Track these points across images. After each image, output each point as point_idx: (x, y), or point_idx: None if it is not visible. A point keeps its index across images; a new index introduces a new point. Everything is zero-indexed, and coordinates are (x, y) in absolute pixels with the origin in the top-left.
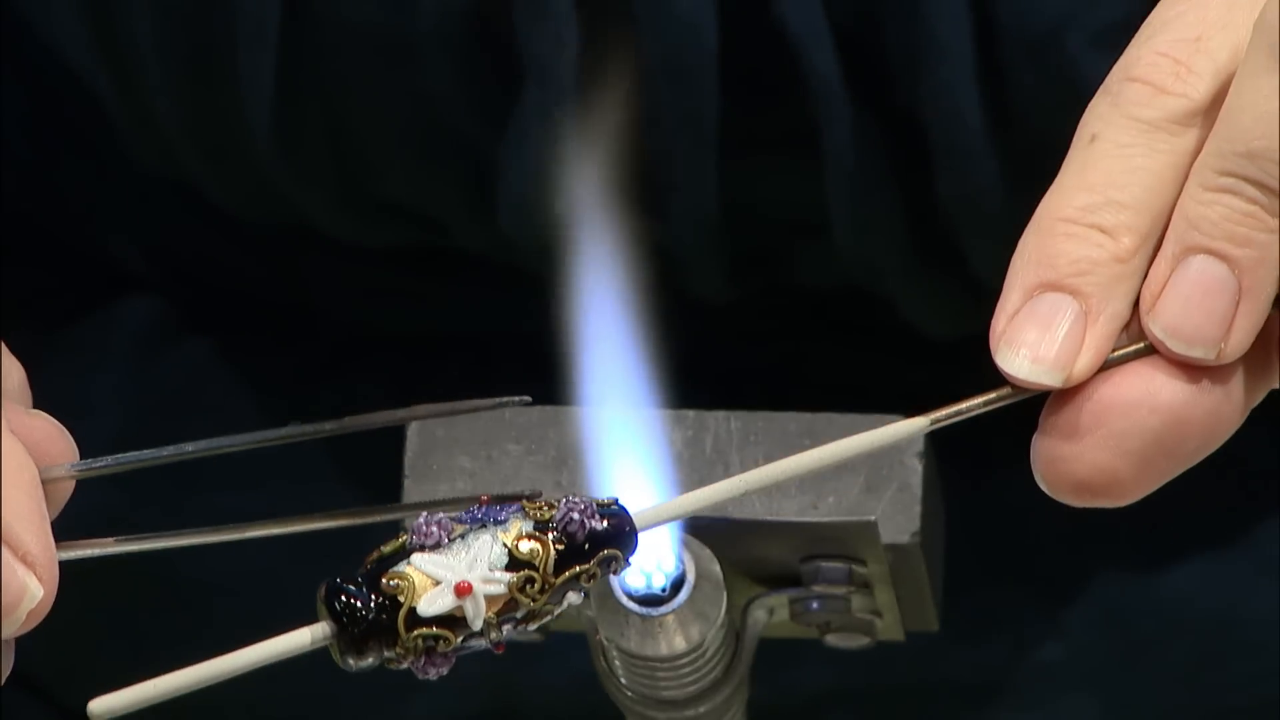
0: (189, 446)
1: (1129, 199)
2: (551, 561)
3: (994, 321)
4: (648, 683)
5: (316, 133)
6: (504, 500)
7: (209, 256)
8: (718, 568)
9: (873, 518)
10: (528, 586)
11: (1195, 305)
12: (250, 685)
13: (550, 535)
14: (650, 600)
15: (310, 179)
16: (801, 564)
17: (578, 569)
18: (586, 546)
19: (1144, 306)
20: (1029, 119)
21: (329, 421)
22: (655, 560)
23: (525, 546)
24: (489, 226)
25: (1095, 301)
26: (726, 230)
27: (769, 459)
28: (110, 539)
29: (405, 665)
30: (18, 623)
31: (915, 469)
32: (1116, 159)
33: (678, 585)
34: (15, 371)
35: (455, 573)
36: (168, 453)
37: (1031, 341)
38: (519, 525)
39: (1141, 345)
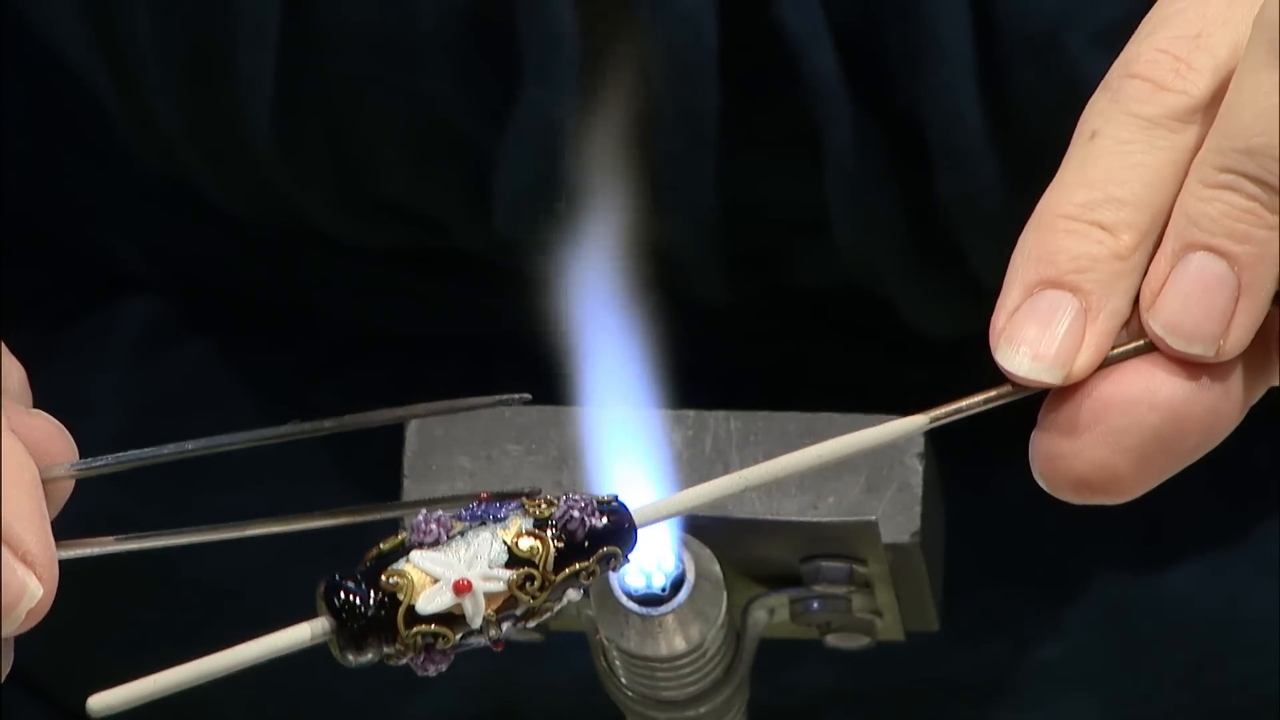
0: (189, 445)
1: (1129, 196)
2: (551, 559)
3: (994, 318)
4: (648, 683)
5: (316, 133)
6: (503, 498)
7: (209, 256)
8: (718, 568)
9: (873, 518)
10: (527, 584)
11: (1195, 302)
12: (251, 684)
13: (550, 533)
14: (650, 600)
15: (310, 179)
16: (802, 564)
17: (577, 566)
18: (586, 544)
19: (1144, 303)
20: (1029, 119)
21: (328, 419)
22: (655, 560)
23: (525, 544)
24: (488, 226)
25: (1095, 299)
26: (726, 230)
27: (769, 459)
28: (110, 538)
29: (404, 662)
30: (17, 621)
31: (915, 469)
32: (1116, 155)
33: (678, 585)
34: (15, 371)
35: (454, 570)
36: (168, 451)
37: (1031, 339)
38: (518, 523)
39: (1141, 342)
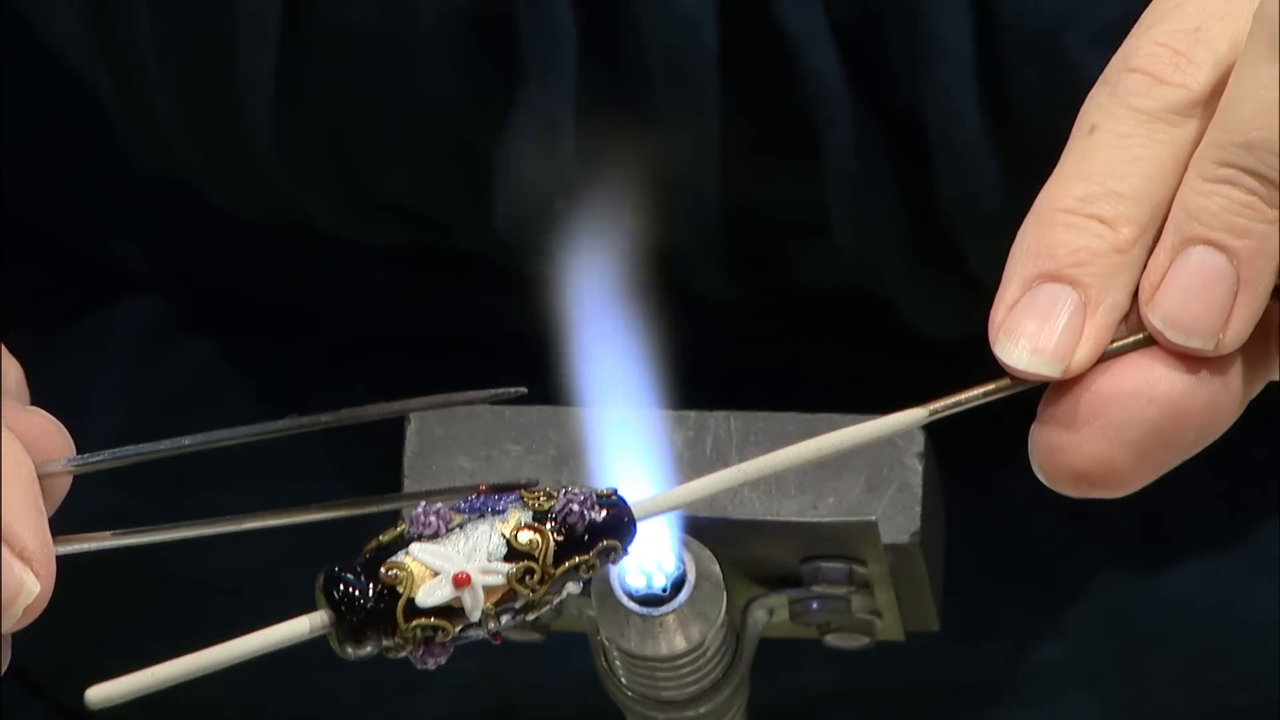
0: (186, 440)
1: (1128, 189)
2: (550, 552)
3: (993, 312)
4: (648, 683)
5: (317, 133)
6: (502, 490)
7: (209, 256)
8: (718, 568)
9: (873, 518)
10: (526, 577)
11: (1194, 296)
12: (250, 684)
13: (549, 526)
14: (650, 600)
15: (310, 179)
16: (801, 564)
17: (577, 560)
18: (585, 537)
19: (1143, 297)
20: (1029, 118)
21: (325, 414)
22: (655, 560)
23: (524, 537)
24: (489, 226)
25: (1094, 292)
26: (726, 230)
27: None
28: (107, 533)
29: (403, 654)
30: (14, 618)
31: (915, 469)
32: (1116, 149)
33: (678, 585)
34: (13, 369)
35: (453, 563)
36: (165, 446)
37: (1030, 332)
38: (518, 515)
39: (1140, 336)
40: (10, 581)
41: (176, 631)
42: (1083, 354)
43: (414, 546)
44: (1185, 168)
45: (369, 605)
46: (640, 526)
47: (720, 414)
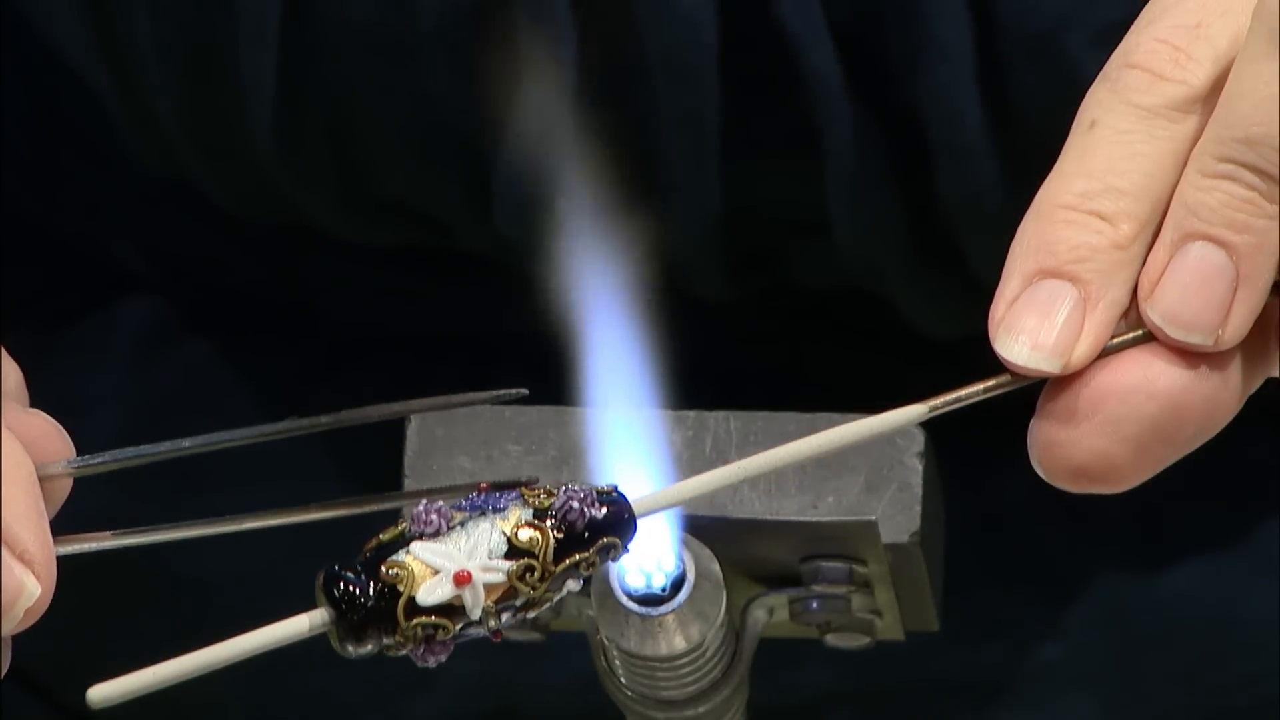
0: (186, 442)
1: (1128, 185)
2: (551, 550)
3: (993, 308)
4: (648, 683)
5: (317, 133)
6: (502, 487)
7: (209, 257)
8: (717, 567)
9: (873, 517)
10: (527, 575)
11: (1193, 292)
12: (250, 684)
13: (549, 523)
14: (650, 600)
15: (311, 179)
16: (801, 564)
17: (577, 557)
18: (586, 535)
19: (1142, 293)
20: (1029, 118)
21: (325, 415)
22: (655, 560)
23: (524, 535)
24: (489, 226)
25: (1094, 288)
26: (727, 230)
27: None
28: (107, 533)
29: (404, 653)
30: (15, 620)
31: (915, 469)
32: (1116, 145)
33: (678, 585)
34: (13, 372)
35: (454, 561)
36: (165, 448)
37: (1030, 328)
38: (518, 513)
39: (1140, 332)
40: (11, 584)
41: (177, 631)
42: (1082, 350)
43: (415, 545)
44: (1185, 163)
45: (369, 603)
46: (640, 524)
47: (720, 414)
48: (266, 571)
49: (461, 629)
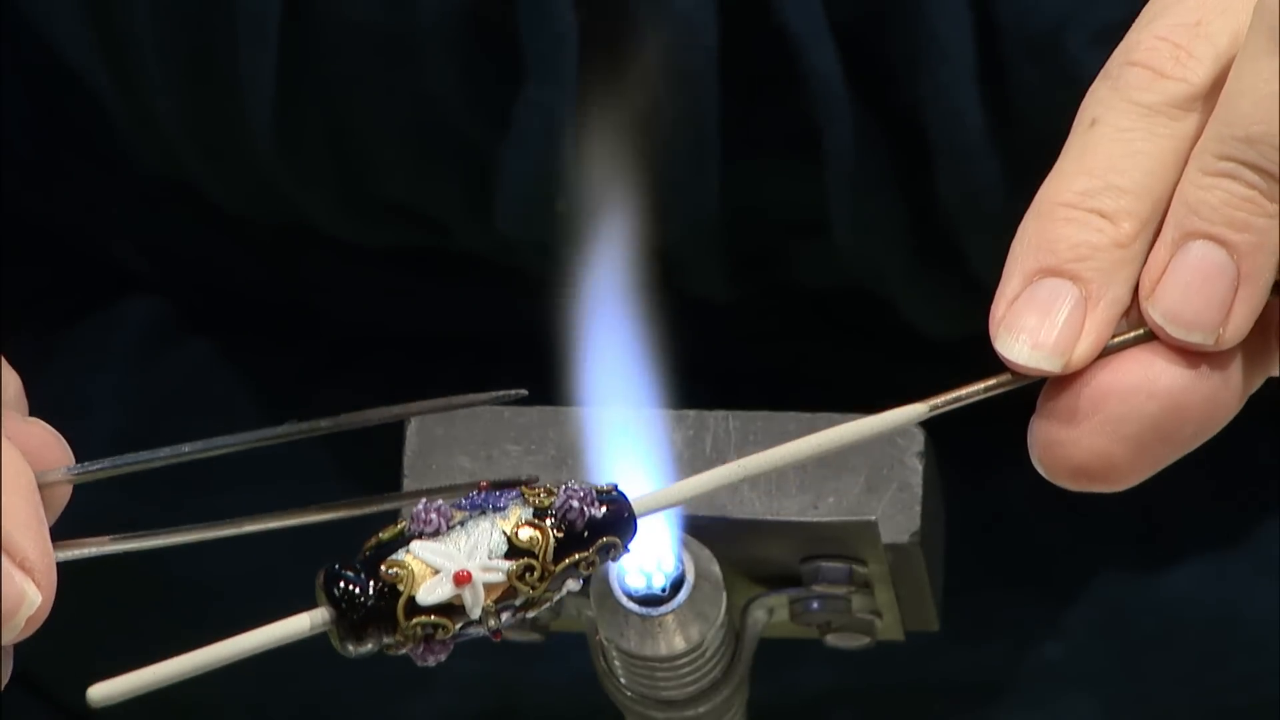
0: (185, 448)
1: (1129, 184)
2: (551, 549)
3: (993, 307)
4: (647, 683)
5: (317, 133)
6: (502, 486)
7: (209, 256)
8: (717, 568)
9: (873, 518)
10: (527, 574)
11: (1194, 291)
12: (250, 684)
13: (549, 523)
14: (650, 600)
15: (311, 179)
16: (801, 564)
17: (577, 556)
18: (586, 534)
19: (1143, 292)
20: (1029, 118)
21: (325, 419)
22: (655, 560)
23: (525, 534)
24: (490, 226)
25: (1095, 287)
26: (727, 230)
27: None
28: (105, 538)
29: (403, 652)
30: (17, 629)
31: (915, 469)
32: (1116, 143)
33: (677, 585)
34: (12, 380)
35: (454, 561)
36: (164, 454)
37: (1031, 327)
38: (518, 512)
39: (1141, 331)
40: (12, 592)
41: (176, 632)
42: (1083, 349)
43: (415, 544)
44: (1186, 162)
45: (369, 603)
46: (640, 524)
47: (720, 413)
48: (266, 572)
49: (461, 628)
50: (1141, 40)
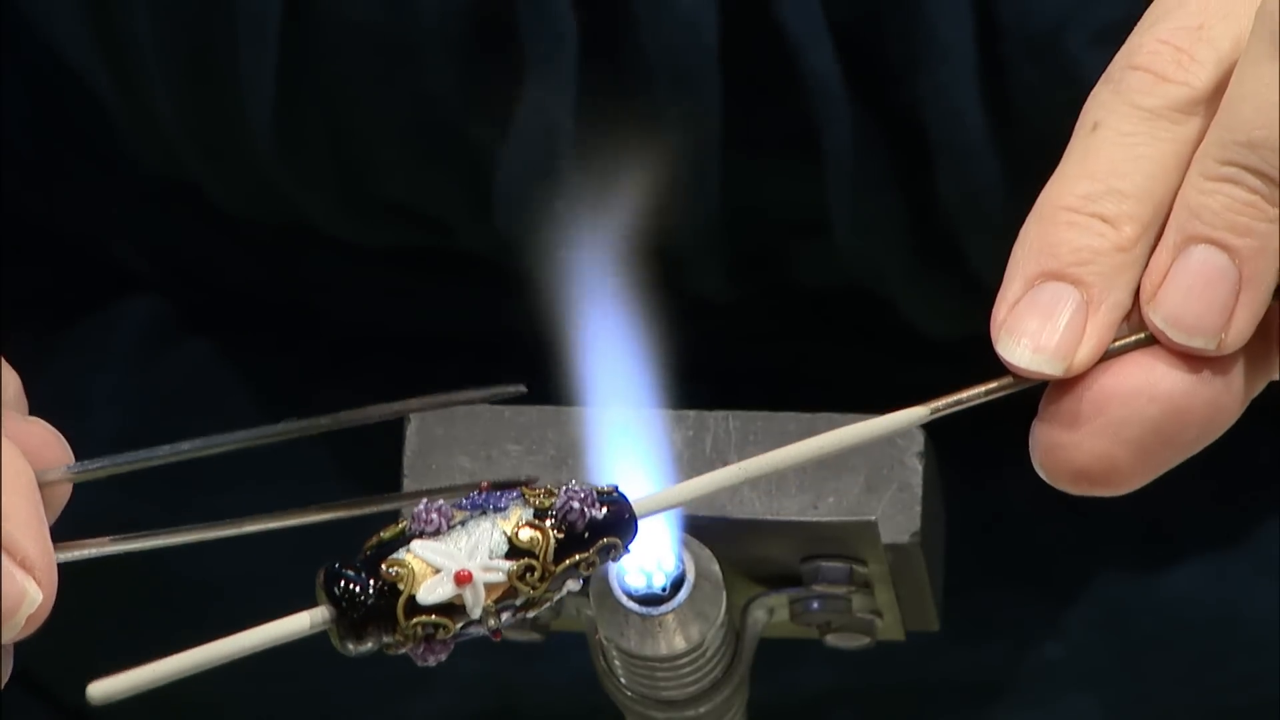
0: (185, 445)
1: (1131, 188)
2: (551, 550)
3: (995, 310)
4: (648, 683)
5: (317, 133)
6: (503, 487)
7: (209, 256)
8: (717, 568)
9: (873, 518)
10: (527, 575)
11: (1196, 295)
12: (249, 684)
13: (550, 523)
14: (650, 600)
15: (311, 179)
16: (801, 564)
17: (577, 557)
18: (586, 535)
19: (1145, 296)
20: (1030, 118)
21: (324, 417)
22: (655, 560)
23: (525, 534)
24: (490, 226)
25: (1097, 291)
26: (727, 230)
27: None
28: (106, 538)
29: (403, 651)
30: (17, 628)
31: (915, 469)
32: (1118, 147)
33: (677, 585)
34: (12, 380)
35: (455, 561)
36: (164, 452)
37: (1032, 331)
38: (519, 513)
39: (1142, 335)
40: (12, 591)
41: (176, 632)
42: (1085, 353)
43: (415, 544)
44: (1188, 166)
45: (370, 602)
46: (641, 524)
47: (720, 413)
48: (266, 573)
49: (462, 628)
50: (1143, 44)
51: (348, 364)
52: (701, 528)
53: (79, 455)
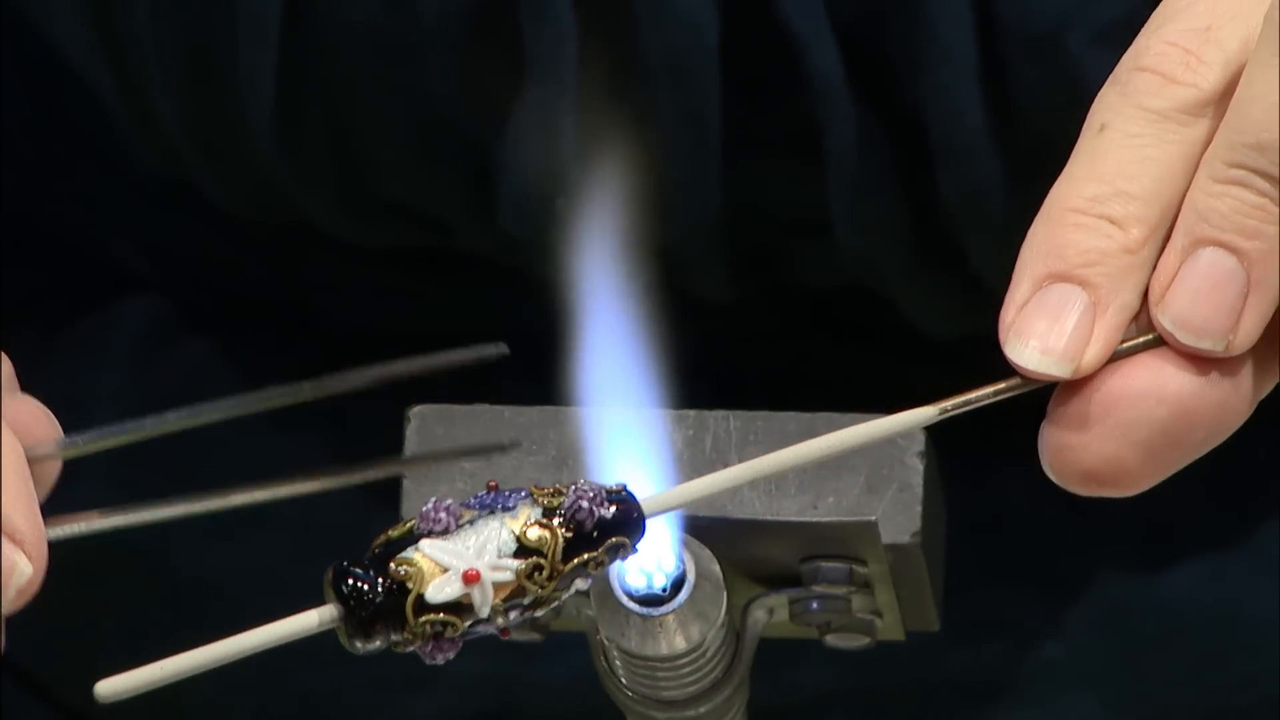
0: (170, 415)
1: (1138, 190)
2: (559, 549)
3: (1003, 312)
4: (648, 683)
5: (317, 133)
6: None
7: (209, 256)
8: (718, 568)
9: (873, 518)
10: (535, 574)
11: (1204, 297)
12: (252, 681)
13: (558, 522)
14: (650, 600)
15: (311, 179)
16: (801, 564)
17: (585, 556)
18: (594, 534)
19: (1153, 298)
20: (1031, 118)
21: (307, 383)
22: (655, 560)
23: (533, 534)
24: (490, 226)
25: (1104, 293)
26: (728, 230)
27: None
28: (95, 512)
29: (411, 649)
30: (9, 601)
31: (916, 469)
32: (1126, 149)
33: (678, 585)
34: (3, 359)
35: (463, 560)
36: (149, 425)
37: (1040, 332)
38: (527, 512)
39: (1150, 337)
40: (3, 564)
41: (177, 632)
42: (1092, 354)
43: (424, 542)
44: (1195, 168)
45: (378, 600)
46: (649, 524)
47: (720, 413)
48: (267, 573)
49: (470, 627)
50: (1151, 45)
51: (348, 364)
52: (702, 528)
53: (81, 460)
